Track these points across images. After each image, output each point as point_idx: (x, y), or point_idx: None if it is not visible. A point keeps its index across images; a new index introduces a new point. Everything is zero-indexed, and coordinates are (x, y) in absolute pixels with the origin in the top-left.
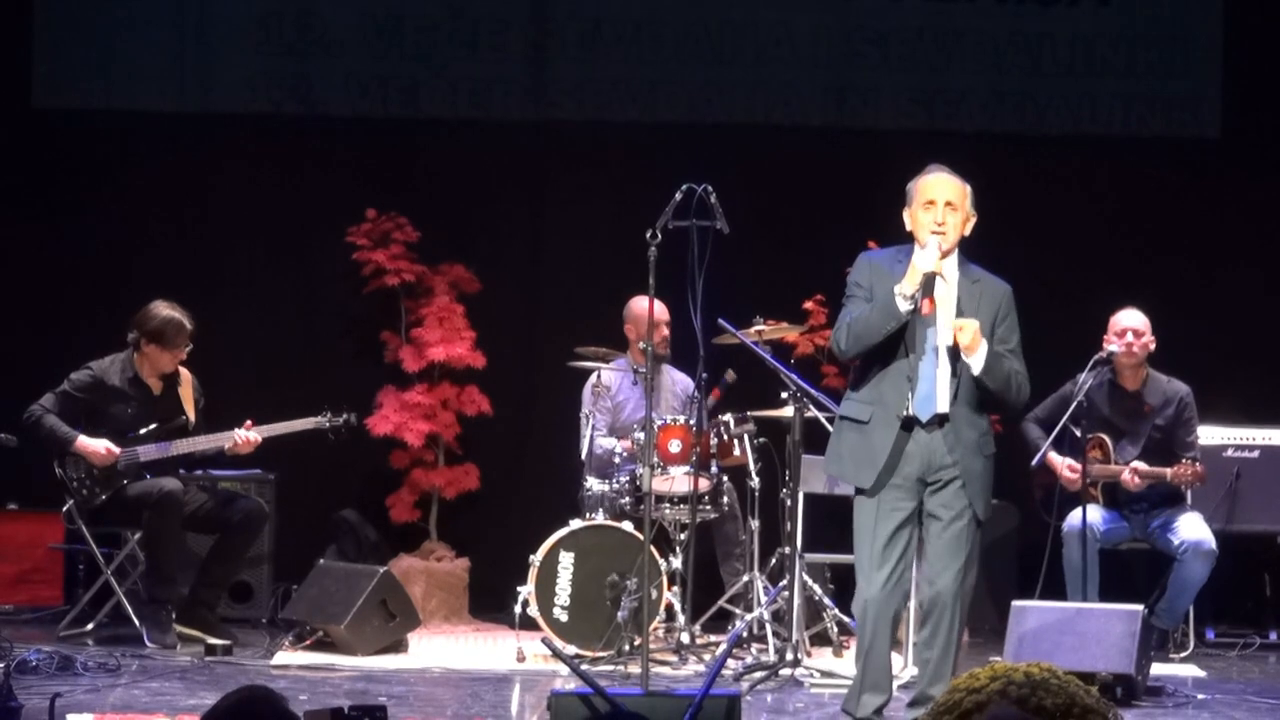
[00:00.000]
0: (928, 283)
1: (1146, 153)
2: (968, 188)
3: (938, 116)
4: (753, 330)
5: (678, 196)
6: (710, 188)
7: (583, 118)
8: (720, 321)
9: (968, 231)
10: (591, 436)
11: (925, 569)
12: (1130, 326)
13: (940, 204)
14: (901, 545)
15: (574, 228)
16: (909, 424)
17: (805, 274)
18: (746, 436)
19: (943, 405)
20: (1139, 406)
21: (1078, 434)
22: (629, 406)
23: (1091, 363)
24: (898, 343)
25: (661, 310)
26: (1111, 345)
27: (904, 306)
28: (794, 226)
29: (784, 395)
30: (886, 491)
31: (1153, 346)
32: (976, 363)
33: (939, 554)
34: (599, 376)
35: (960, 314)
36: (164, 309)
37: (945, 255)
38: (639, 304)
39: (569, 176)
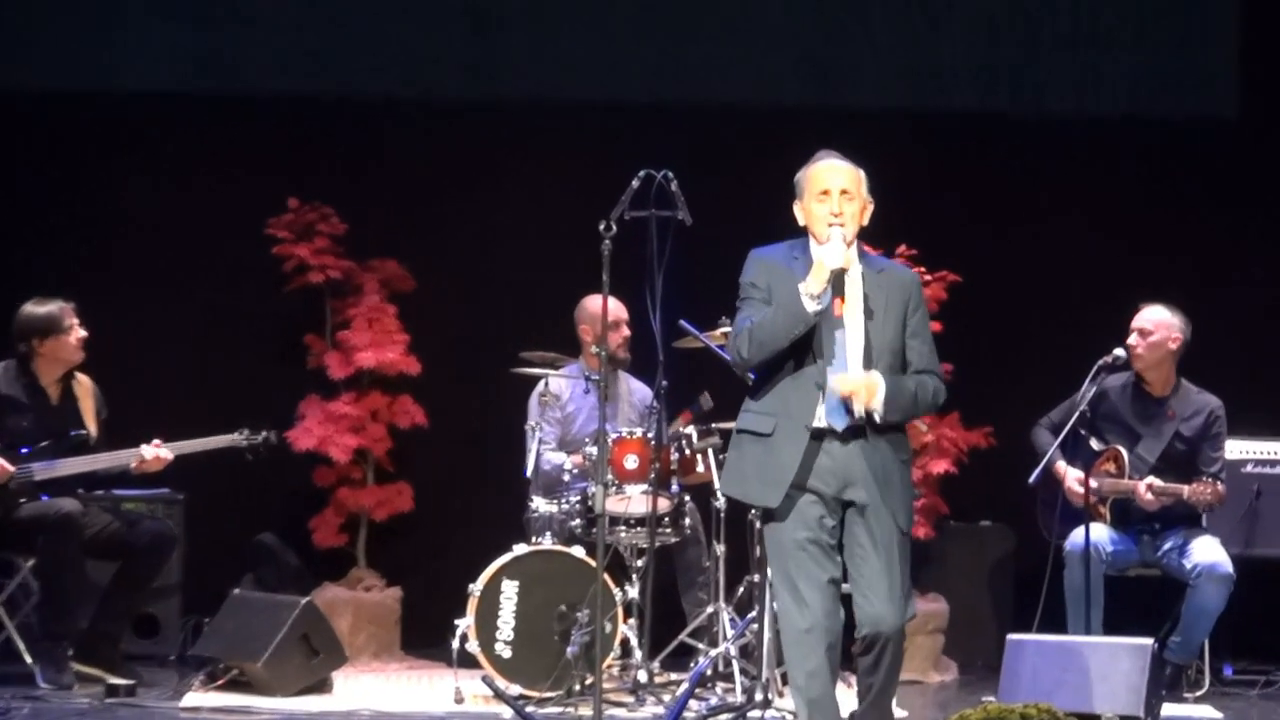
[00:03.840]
0: (837, 280)
1: (1157, 135)
2: (861, 173)
3: (925, 94)
4: (718, 333)
5: (635, 184)
6: (671, 174)
7: (531, 97)
8: (681, 323)
9: (866, 220)
10: (538, 451)
11: (858, 600)
12: (1137, 325)
13: (835, 193)
14: (826, 566)
15: (520, 219)
16: (820, 435)
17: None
18: (711, 451)
19: (859, 413)
20: (1162, 411)
21: (1091, 444)
22: (580, 418)
23: (1095, 369)
24: (805, 347)
25: (618, 310)
26: (1119, 349)
27: (812, 307)
28: (765, 217)
29: None
30: (800, 510)
31: (1174, 346)
32: (877, 412)
33: (871, 584)
34: (547, 384)
35: (869, 309)
36: (36, 306)
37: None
38: (593, 303)
39: (515, 162)
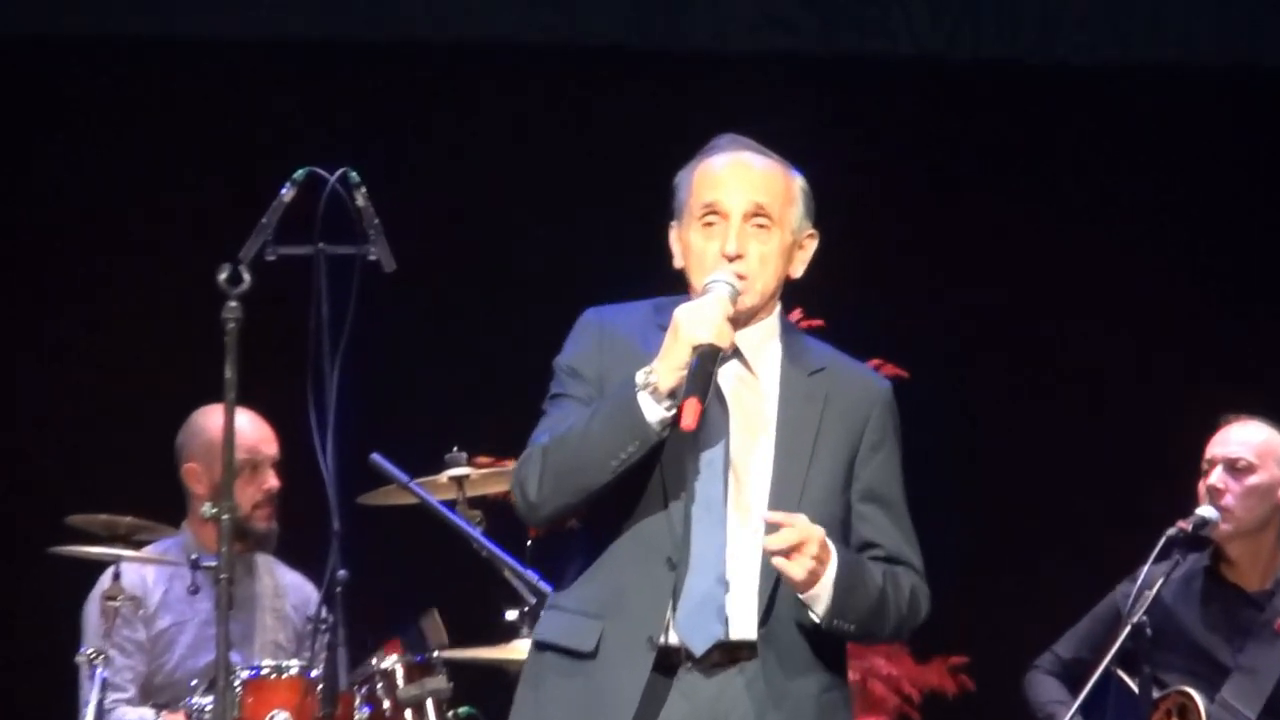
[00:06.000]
0: (703, 366)
1: (1229, 95)
2: (795, 179)
3: (845, 33)
4: (444, 477)
5: (287, 192)
6: (355, 174)
7: (110, 30)
8: (375, 459)
9: (798, 271)
10: (101, 704)
11: None
12: (1222, 455)
13: (735, 215)
14: None
15: (71, 261)
16: (670, 659)
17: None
18: (431, 704)
19: (741, 626)
20: (1264, 620)
21: (1134, 687)
22: (183, 640)
23: (1161, 544)
24: (641, 487)
25: (258, 437)
26: (1205, 507)
27: (655, 413)
28: (541, 252)
29: (511, 615)
30: None
31: None
32: (820, 603)
33: None
34: (117, 578)
35: (784, 436)
36: None
37: (749, 319)
38: (209, 425)
39: (69, 144)
